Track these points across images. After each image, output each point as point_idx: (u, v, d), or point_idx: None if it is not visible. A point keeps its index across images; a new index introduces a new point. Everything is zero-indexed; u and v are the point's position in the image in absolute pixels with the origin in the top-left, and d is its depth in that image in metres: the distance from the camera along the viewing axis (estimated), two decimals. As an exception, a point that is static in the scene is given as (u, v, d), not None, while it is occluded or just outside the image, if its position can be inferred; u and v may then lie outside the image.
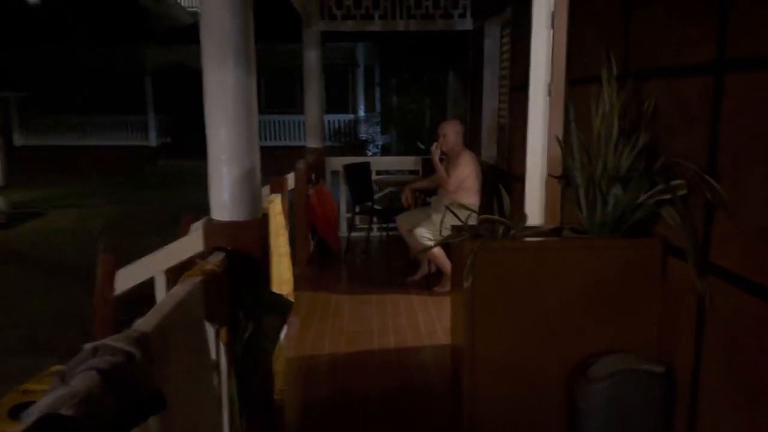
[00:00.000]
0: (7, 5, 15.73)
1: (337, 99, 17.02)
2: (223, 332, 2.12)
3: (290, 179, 5.17)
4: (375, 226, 6.42)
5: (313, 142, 6.42)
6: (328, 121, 16.83)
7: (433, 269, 4.85)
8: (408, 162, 6.80)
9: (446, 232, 4.62)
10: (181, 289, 1.81)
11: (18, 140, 17.49)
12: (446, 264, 4.64)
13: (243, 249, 2.34)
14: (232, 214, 2.39)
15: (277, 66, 16.17)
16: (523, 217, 2.75)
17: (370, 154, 13.65)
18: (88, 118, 17.10)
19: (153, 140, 17.45)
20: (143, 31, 16.88)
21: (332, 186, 6.83)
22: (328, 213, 5.32)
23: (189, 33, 17.05)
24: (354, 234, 6.32)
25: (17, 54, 16.10)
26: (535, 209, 4.39)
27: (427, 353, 3.61)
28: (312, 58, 6.29)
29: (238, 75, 2.30)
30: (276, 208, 3.58)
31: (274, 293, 2.34)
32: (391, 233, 6.12)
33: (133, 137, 17.43)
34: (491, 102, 5.92)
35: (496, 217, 2.61)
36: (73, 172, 16.15)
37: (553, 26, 4.07)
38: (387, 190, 6.66)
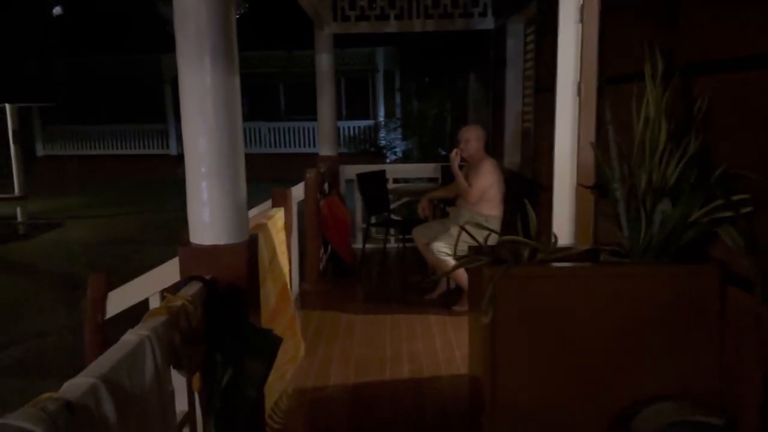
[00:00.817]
0: (31, 16, 15.81)
1: (356, 105, 16.76)
2: (196, 380, 1.80)
3: (300, 189, 4.86)
4: (391, 238, 6.08)
5: (326, 150, 6.11)
6: (348, 128, 16.57)
7: (452, 286, 4.49)
8: (426, 169, 6.45)
9: (466, 246, 4.28)
10: (136, 334, 1.49)
11: (40, 150, 17.57)
12: (466, 280, 4.28)
13: (225, 278, 2.02)
14: (213, 237, 2.07)
15: (297, 72, 15.98)
16: (552, 237, 2.38)
17: (389, 161, 13.32)
18: (108, 127, 17.10)
19: (173, 149, 17.36)
20: (161, 39, 16.82)
21: (348, 195, 6.52)
22: (340, 225, 5.00)
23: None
24: (369, 245, 5.99)
25: (39, 65, 16.19)
26: (563, 223, 4.01)
27: (444, 384, 3.25)
28: (324, 61, 5.99)
29: (217, 75, 1.99)
30: (277, 224, 3.26)
31: (259, 329, 2.01)
32: (408, 245, 5.77)
33: (154, 146, 17.38)
34: (515, 105, 5.55)
35: (521, 238, 2.24)
36: (95, 181, 16.13)
37: (582, 20, 3.70)
38: (403, 200, 6.32)
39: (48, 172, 16.47)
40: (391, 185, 6.12)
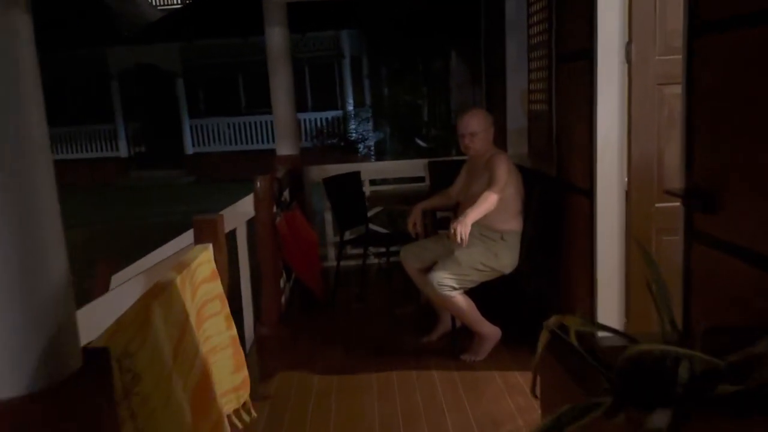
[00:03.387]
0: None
1: (322, 95, 15.45)
2: None
3: (248, 204, 3.68)
4: (371, 254, 4.93)
5: (285, 148, 4.92)
6: (314, 120, 15.28)
7: (458, 324, 3.35)
8: (410, 167, 5.30)
9: (477, 275, 3.14)
10: None
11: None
12: (477, 320, 3.16)
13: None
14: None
15: (257, 61, 14.58)
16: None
17: (361, 154, 12.10)
18: (50, 129, 15.47)
19: (124, 150, 15.87)
20: (105, 31, 15.28)
21: (317, 203, 5.34)
22: (305, 246, 3.83)
23: (158, 30, 15.49)
24: (345, 263, 4.83)
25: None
26: (612, 242, 2.91)
27: None
28: (276, 38, 4.78)
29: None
30: (197, 275, 2.08)
31: None
32: (392, 259, 4.60)
33: (102, 148, 15.84)
34: (517, 83, 4.43)
35: (683, 350, 1.12)
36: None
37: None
38: (377, 209, 5.13)
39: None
40: (368, 189, 4.96)
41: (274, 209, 3.79)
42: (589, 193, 2.97)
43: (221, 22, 13.76)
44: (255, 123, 15.51)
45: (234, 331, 2.29)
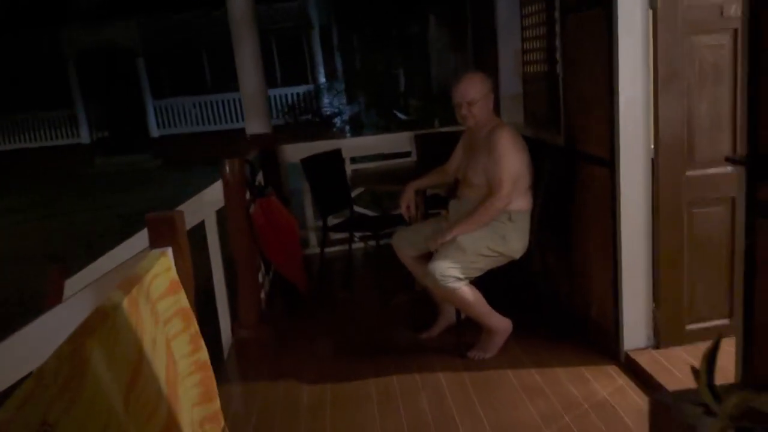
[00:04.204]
0: None
1: (291, 69, 14.79)
2: None
3: (216, 191, 3.23)
4: (357, 238, 4.52)
5: (255, 126, 4.46)
6: (284, 96, 14.65)
7: (463, 316, 2.96)
8: (396, 141, 4.86)
9: (484, 262, 2.76)
10: None
11: None
12: (486, 312, 2.79)
13: None
14: None
15: (222, 37, 13.86)
16: None
17: (337, 129, 11.56)
18: (3, 117, 14.61)
19: (85, 136, 15.08)
20: (60, 9, 14.39)
21: (294, 184, 4.89)
22: (284, 236, 3.40)
23: (114, 6, 14.64)
24: (328, 250, 4.42)
25: None
26: (637, 221, 2.56)
27: None
28: (239, 4, 4.27)
29: None
30: (158, 286, 1.66)
31: None
32: (382, 242, 4.18)
33: (62, 135, 15.02)
34: (510, 43, 4.01)
35: None
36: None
37: None
38: (360, 190, 4.70)
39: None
40: (350, 168, 4.52)
41: (247, 196, 3.35)
42: (609, 162, 2.60)
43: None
44: (222, 101, 14.85)
45: (203, 353, 1.88)
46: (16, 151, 14.81)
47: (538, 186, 2.86)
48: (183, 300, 1.84)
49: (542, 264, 3.07)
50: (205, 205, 3.13)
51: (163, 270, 1.78)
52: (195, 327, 1.88)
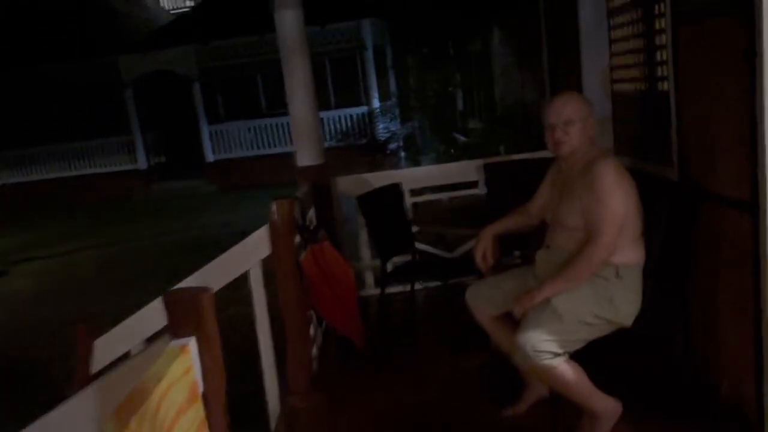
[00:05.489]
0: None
1: (345, 90, 14.50)
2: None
3: (261, 238, 2.81)
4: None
5: (306, 157, 4.04)
6: (338, 118, 14.37)
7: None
8: (461, 170, 4.34)
9: (587, 331, 2.22)
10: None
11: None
12: (589, 393, 2.23)
13: None
14: None
15: (272, 58, 13.73)
16: None
17: (390, 153, 11.11)
18: (62, 146, 14.89)
19: (143, 162, 15.20)
20: (116, 38, 14.64)
21: (347, 210, 4.40)
22: (339, 288, 2.95)
23: (169, 34, 14.80)
24: (389, 290, 3.93)
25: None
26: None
27: None
28: (289, 23, 3.90)
29: None
30: (173, 401, 1.22)
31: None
32: (451, 281, 3.63)
33: (120, 161, 15.19)
34: (597, 58, 3.48)
35: None
36: (53, 210, 14.04)
37: None
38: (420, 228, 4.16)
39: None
40: (410, 202, 4.05)
41: (296, 241, 2.91)
42: (749, 205, 2.03)
43: (235, 20, 12.99)
44: (277, 125, 14.69)
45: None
46: (76, 178, 15.05)
47: (652, 232, 2.30)
48: (200, 411, 1.40)
49: (659, 329, 2.49)
50: (249, 253, 2.73)
51: (180, 373, 1.33)
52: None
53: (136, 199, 14.37)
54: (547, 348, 2.12)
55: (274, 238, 2.80)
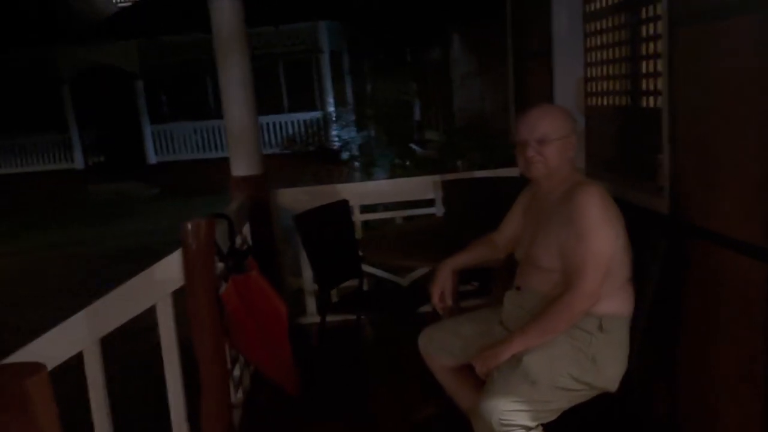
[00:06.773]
0: None
1: (299, 94, 13.97)
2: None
3: (172, 266, 2.31)
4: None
5: (241, 167, 3.56)
6: (291, 122, 13.82)
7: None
8: (416, 187, 3.92)
9: (565, 398, 1.80)
10: None
11: None
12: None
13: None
14: None
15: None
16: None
17: (340, 161, 10.63)
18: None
19: (80, 162, 14.29)
20: (54, 29, 13.71)
21: (290, 236, 3.94)
22: (268, 326, 2.47)
23: (111, 27, 13.99)
24: (330, 319, 3.46)
25: None
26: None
27: None
28: (225, 16, 3.42)
29: None
30: None
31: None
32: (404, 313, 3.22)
33: (55, 160, 14.23)
34: (571, 69, 3.12)
35: None
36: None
37: None
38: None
39: None
40: (359, 218, 3.61)
41: (218, 269, 2.42)
42: (763, 252, 1.66)
43: (181, 15, 12.30)
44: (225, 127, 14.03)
45: None
46: (5, 176, 14.02)
47: (641, 276, 1.92)
48: None
49: (648, 393, 2.11)
50: (156, 284, 2.24)
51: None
52: None
53: (69, 200, 13.45)
54: (516, 420, 1.70)
55: (188, 266, 2.30)
